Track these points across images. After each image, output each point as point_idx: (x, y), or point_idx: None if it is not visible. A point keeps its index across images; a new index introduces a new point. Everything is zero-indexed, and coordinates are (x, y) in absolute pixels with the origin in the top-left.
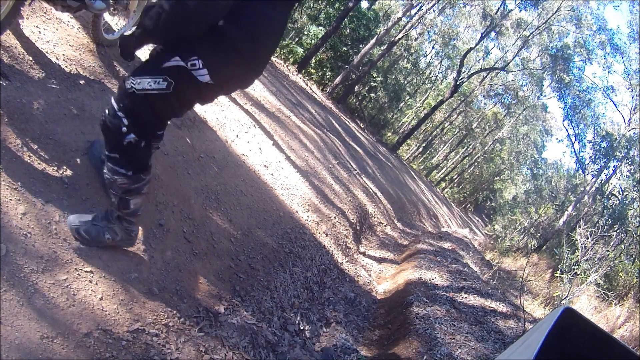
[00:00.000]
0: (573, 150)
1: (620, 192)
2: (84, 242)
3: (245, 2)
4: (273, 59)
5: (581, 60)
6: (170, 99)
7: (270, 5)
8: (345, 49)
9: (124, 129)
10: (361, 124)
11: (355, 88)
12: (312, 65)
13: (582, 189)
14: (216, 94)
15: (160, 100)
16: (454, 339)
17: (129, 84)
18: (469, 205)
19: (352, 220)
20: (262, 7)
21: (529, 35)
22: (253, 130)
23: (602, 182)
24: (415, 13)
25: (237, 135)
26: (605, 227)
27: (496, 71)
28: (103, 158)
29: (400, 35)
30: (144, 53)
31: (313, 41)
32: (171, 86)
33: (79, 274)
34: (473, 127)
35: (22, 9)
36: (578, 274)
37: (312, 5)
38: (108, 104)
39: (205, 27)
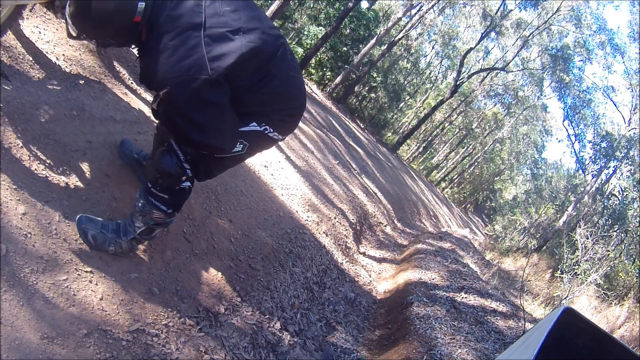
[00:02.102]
0: (573, 150)
1: (620, 192)
2: (87, 243)
3: (257, 85)
4: None
5: (581, 60)
6: (242, 156)
7: (281, 74)
8: (345, 49)
9: (185, 177)
10: (361, 124)
11: (355, 88)
12: (312, 65)
13: (582, 189)
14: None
15: (233, 159)
16: (454, 339)
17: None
18: (469, 206)
19: (352, 220)
20: (274, 82)
21: (529, 35)
22: None
23: (602, 182)
24: (415, 13)
25: None
26: (605, 227)
27: (496, 71)
28: (145, 189)
29: (400, 35)
30: None
31: (313, 41)
32: (245, 147)
33: (79, 274)
34: (473, 127)
35: (22, 11)
36: (578, 274)
37: (312, 5)
38: (170, 152)
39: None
